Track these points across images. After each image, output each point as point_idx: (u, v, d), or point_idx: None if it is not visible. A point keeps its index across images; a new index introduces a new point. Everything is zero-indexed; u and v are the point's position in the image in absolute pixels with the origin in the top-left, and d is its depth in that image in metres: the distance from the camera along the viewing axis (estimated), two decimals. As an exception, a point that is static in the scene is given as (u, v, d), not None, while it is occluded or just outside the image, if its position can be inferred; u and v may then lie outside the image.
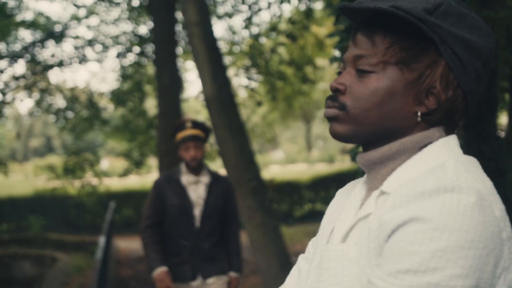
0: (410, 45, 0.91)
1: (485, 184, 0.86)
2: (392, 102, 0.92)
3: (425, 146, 0.94)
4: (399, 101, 0.92)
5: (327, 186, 12.92)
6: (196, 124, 3.65)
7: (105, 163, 26.55)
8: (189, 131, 3.60)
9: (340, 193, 1.15)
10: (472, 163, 0.92)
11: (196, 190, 3.63)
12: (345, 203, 1.07)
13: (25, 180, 29.13)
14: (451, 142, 0.95)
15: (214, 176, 3.73)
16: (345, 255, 0.93)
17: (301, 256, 1.21)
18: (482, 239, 0.80)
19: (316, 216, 12.52)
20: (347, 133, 0.95)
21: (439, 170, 0.88)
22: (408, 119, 0.93)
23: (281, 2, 10.87)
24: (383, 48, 0.92)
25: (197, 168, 3.64)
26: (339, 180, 12.89)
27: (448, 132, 0.97)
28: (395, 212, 0.85)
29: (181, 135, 3.61)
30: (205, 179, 3.66)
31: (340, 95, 0.95)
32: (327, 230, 1.07)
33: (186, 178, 3.63)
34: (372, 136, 0.95)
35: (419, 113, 0.92)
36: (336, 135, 0.97)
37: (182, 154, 3.61)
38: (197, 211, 3.62)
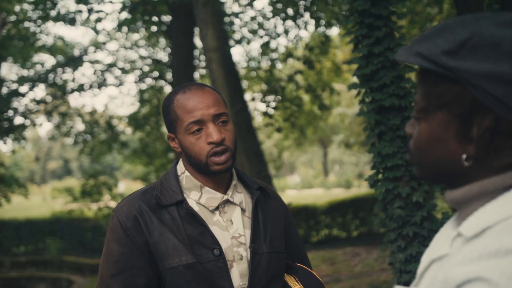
0: (445, 89, 0.87)
1: None
2: (438, 147, 0.89)
3: (509, 188, 0.86)
4: (443, 146, 0.89)
5: (344, 211, 12.78)
6: None
7: (121, 186, 26.68)
8: None
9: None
10: None
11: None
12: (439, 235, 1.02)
13: (43, 202, 29.38)
14: None
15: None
16: None
17: None
18: None
19: (332, 242, 12.34)
20: (417, 175, 0.96)
21: None
22: (457, 162, 0.88)
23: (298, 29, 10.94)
24: (422, 94, 0.90)
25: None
26: (356, 205, 12.76)
27: None
28: (464, 268, 0.79)
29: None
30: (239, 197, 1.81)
31: (411, 140, 0.96)
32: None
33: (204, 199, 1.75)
34: (437, 179, 0.93)
35: (464, 156, 0.87)
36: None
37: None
38: (239, 271, 1.67)
